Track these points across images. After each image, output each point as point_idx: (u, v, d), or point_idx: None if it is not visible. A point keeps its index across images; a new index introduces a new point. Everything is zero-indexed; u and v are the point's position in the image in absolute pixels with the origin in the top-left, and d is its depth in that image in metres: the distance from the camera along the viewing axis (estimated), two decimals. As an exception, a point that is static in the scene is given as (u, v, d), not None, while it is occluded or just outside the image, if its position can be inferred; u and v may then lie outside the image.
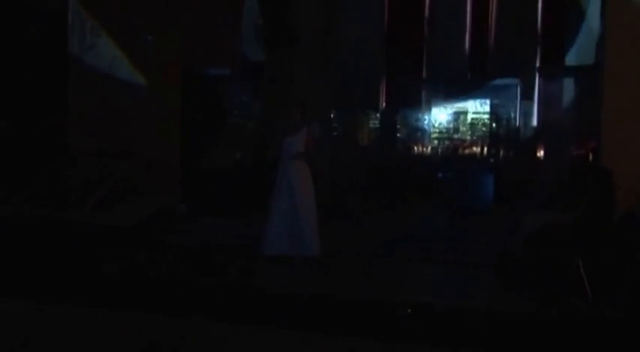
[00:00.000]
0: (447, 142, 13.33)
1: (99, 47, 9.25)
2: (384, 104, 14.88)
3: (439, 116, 13.50)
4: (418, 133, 13.66)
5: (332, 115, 12.68)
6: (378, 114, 14.23)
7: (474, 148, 13.06)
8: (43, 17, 9.05)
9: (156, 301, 5.52)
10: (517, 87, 13.03)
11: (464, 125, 13.25)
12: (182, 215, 9.00)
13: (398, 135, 13.78)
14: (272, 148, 6.98)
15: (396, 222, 9.22)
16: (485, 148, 12.96)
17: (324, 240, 6.78)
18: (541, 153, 12.27)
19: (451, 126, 13.35)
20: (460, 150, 13.09)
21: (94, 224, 7.83)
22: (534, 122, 13.29)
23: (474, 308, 5.44)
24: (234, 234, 8.34)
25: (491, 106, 13.03)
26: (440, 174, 11.93)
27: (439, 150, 13.32)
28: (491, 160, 12.65)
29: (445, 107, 13.47)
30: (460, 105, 13.33)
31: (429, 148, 13.47)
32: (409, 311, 5.27)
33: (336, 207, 9.07)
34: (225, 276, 6.41)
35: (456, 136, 13.27)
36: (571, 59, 12.29)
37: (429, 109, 13.69)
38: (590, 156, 10.42)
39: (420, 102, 14.10)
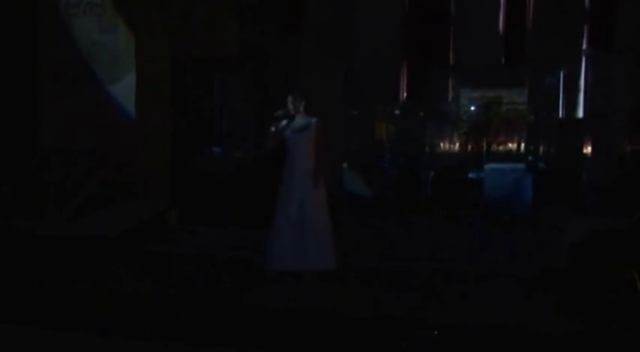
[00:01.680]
0: (477, 138, 13.22)
1: (75, 31, 9.18)
2: (404, 95, 14.82)
3: (469, 108, 13.40)
4: (444, 128, 13.55)
5: (344, 108, 12.63)
6: (397, 107, 14.16)
7: (510, 144, 12.96)
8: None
9: (143, 323, 5.50)
10: (560, 73, 12.92)
11: (498, 118, 13.14)
12: (173, 223, 8.98)
13: (421, 130, 13.68)
14: (276, 147, 6.89)
15: (420, 230, 9.20)
16: (523, 144, 12.86)
17: (338, 251, 6.74)
18: (588, 150, 12.15)
19: (483, 119, 13.24)
20: (493, 147, 12.99)
21: (70, 235, 7.81)
22: (580, 113, 13.17)
23: (510, 327, 5.38)
24: (234, 246, 8.34)
25: (530, 96, 12.92)
26: (470, 175, 11.87)
27: (469, 147, 13.22)
28: (530, 158, 12.55)
29: (476, 97, 13.37)
30: (493, 95, 13.23)
31: (457, 145, 13.37)
32: (435, 332, 5.21)
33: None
34: (224, 294, 6.37)
35: (488, 131, 13.16)
36: (623, 41, 12.17)
37: (457, 100, 13.60)
38: (646, 153, 10.32)
39: (447, 92, 14.02)
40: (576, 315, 5.63)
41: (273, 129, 6.61)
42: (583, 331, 5.29)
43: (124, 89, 9.35)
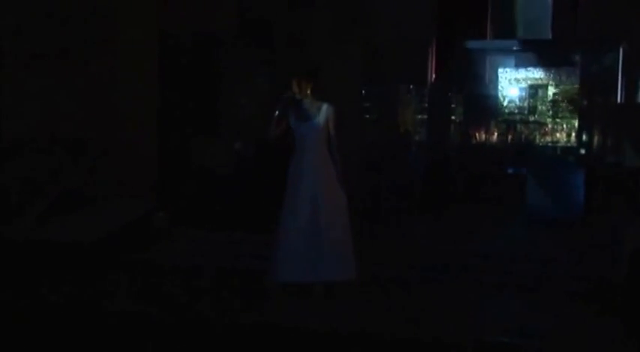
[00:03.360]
0: (519, 127, 13.18)
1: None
2: (433, 77, 14.76)
3: (509, 92, 13.35)
4: (480, 116, 13.54)
5: (363, 92, 12.58)
6: (425, 91, 14.11)
7: (558, 135, 12.92)
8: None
9: (126, 346, 5.45)
10: (618, 50, 12.82)
11: (543, 103, 13.09)
12: (160, 227, 8.97)
13: (452, 118, 13.65)
14: (283, 136, 6.82)
15: (451, 235, 9.17)
16: (573, 135, 12.81)
17: (357, 259, 6.67)
18: (652, 141, 12.09)
19: (525, 104, 13.20)
20: (538, 138, 12.96)
21: (39, 240, 7.78)
22: (643, 98, 13.07)
23: (560, 350, 5.33)
24: (233, 253, 8.30)
25: (583, 77, 12.84)
26: (510, 171, 11.84)
27: (509, 138, 13.18)
28: (582, 151, 12.49)
29: (517, 79, 13.32)
30: (538, 77, 13.18)
31: (495, 136, 13.34)
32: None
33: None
34: (221, 310, 6.32)
35: (532, 119, 13.13)
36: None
37: (495, 83, 13.56)
38: None
39: (483, 73, 13.96)
40: (636, 335, 5.61)
41: (277, 113, 6.52)
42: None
43: (103, 68, 9.29)
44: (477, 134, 13.38)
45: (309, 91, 6.60)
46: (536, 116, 13.10)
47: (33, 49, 8.94)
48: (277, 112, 6.50)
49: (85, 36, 9.15)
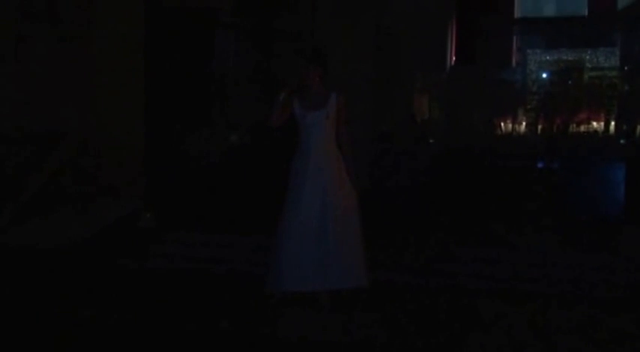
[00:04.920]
0: (551, 115, 13.15)
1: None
2: (452, 59, 14.73)
3: (539, 76, 13.31)
4: (506, 102, 13.50)
5: (374, 77, 12.56)
6: (443, 75, 14.11)
7: (595, 124, 12.88)
8: None
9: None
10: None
11: (578, 88, 13.05)
12: (147, 229, 8.95)
13: (474, 106, 13.62)
14: (285, 127, 6.76)
15: (472, 236, 9.13)
16: (612, 123, 12.76)
17: (369, 264, 6.63)
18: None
19: (558, 89, 13.16)
20: (572, 127, 12.92)
21: (12, 245, 7.73)
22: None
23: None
24: (227, 258, 8.25)
25: (623, 58, 12.79)
26: (540, 164, 11.80)
27: (539, 128, 13.15)
28: (622, 141, 12.44)
29: (549, 61, 13.28)
30: (572, 58, 13.14)
31: (524, 125, 13.31)
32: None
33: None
34: (215, 321, 6.27)
35: (565, 105, 13.08)
36: None
37: (524, 65, 13.52)
38: None
39: (509, 54, 13.94)
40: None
41: (280, 99, 6.45)
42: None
43: (82, 50, 9.25)
44: (502, 124, 13.36)
45: (317, 78, 6.54)
46: (569, 103, 13.08)
47: (4, 30, 8.95)
48: (280, 98, 6.44)
49: (63, 15, 9.14)
